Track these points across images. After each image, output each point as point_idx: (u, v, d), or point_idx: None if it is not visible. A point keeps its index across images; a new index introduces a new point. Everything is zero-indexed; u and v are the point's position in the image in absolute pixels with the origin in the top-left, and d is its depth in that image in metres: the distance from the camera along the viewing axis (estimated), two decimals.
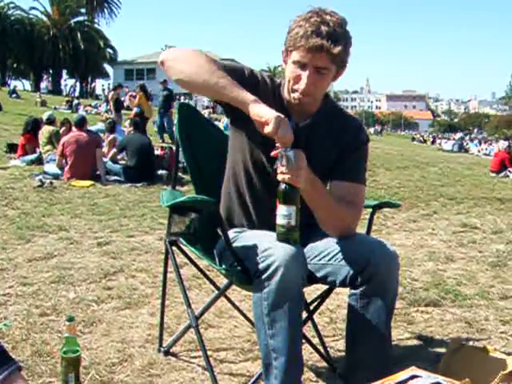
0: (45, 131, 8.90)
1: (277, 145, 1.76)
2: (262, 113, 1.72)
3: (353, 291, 1.96)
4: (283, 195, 1.78)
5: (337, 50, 1.84)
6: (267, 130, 1.70)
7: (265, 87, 2.04)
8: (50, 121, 9.28)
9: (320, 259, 2.01)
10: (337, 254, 1.97)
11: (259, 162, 2.04)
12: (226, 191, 2.20)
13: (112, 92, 15.98)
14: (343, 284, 2.00)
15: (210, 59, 1.90)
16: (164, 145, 10.39)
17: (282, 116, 1.72)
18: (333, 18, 1.87)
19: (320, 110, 2.07)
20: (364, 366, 1.96)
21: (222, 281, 2.72)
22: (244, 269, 1.91)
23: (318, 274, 2.02)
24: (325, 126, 2.06)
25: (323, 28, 1.84)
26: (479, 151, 33.31)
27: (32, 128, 9.26)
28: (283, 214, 1.78)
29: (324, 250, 2.01)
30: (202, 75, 1.84)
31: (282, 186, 1.77)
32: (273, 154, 1.79)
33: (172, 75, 1.92)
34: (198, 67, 1.85)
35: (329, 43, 1.83)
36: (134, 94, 13.94)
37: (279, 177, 1.77)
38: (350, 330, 2.03)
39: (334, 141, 2.05)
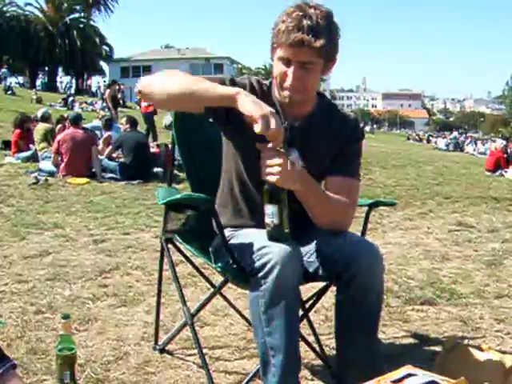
0: (40, 128, 8.87)
1: (269, 144, 1.74)
2: (250, 109, 1.69)
3: (338, 291, 1.96)
4: (267, 194, 1.79)
5: (319, 43, 1.81)
6: (257, 129, 1.67)
7: (252, 93, 1.97)
8: (45, 118, 9.25)
9: (310, 256, 2.01)
10: (323, 251, 1.97)
11: (252, 169, 1.99)
12: (221, 198, 2.18)
13: (108, 90, 15.93)
14: (329, 281, 2.00)
15: (185, 73, 1.88)
16: (159, 142, 10.35)
17: (269, 111, 1.69)
18: (316, 11, 1.84)
19: (315, 110, 2.05)
20: (352, 365, 1.97)
21: (218, 278, 2.71)
22: (240, 267, 1.90)
23: (309, 271, 2.02)
24: (321, 125, 2.04)
25: (305, 22, 1.81)
26: (475, 150, 33.39)
27: (19, 125, 9.23)
28: (267, 212, 1.79)
29: (313, 247, 2.01)
30: (181, 88, 1.81)
31: (267, 185, 1.78)
32: (262, 149, 1.77)
33: (154, 99, 1.93)
34: (175, 83, 1.83)
35: (309, 37, 1.80)
36: None
37: (263, 176, 1.77)
38: (337, 330, 2.04)
39: (333, 140, 2.04)
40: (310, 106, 2.04)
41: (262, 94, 2.01)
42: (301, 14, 1.83)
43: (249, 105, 1.70)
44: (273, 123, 1.67)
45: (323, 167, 2.03)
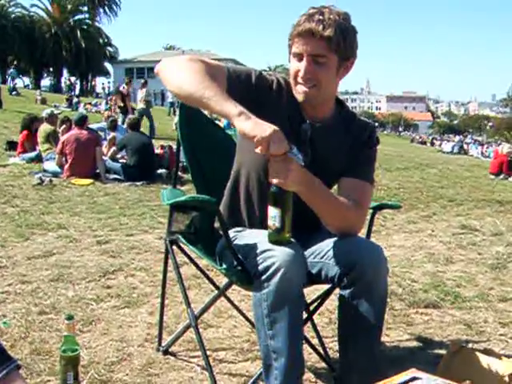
0: (42, 129, 8.84)
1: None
2: (251, 134, 1.64)
3: (341, 292, 1.95)
4: (271, 197, 1.79)
5: (327, 32, 1.83)
6: (258, 151, 1.65)
7: (279, 91, 1.99)
8: (47, 119, 9.12)
9: (314, 257, 2.01)
10: (327, 252, 1.96)
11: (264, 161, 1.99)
12: (232, 190, 2.16)
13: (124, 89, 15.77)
14: (332, 282, 1.99)
15: (203, 68, 1.81)
16: (164, 143, 10.36)
17: (269, 133, 1.63)
18: (330, 10, 1.88)
19: (334, 116, 2.05)
20: (355, 368, 1.96)
21: (222, 280, 2.71)
22: (244, 269, 1.90)
23: (312, 272, 2.01)
24: (339, 132, 2.04)
25: (317, 16, 1.85)
26: (478, 153, 33.34)
27: (28, 125, 9.23)
28: (271, 215, 1.79)
29: (317, 249, 2.01)
30: (188, 88, 1.76)
31: (273, 188, 1.78)
32: (266, 157, 1.76)
33: (166, 86, 1.88)
34: (186, 79, 1.78)
35: (318, 27, 1.83)
36: None
37: (270, 178, 1.76)
38: (340, 332, 2.03)
39: (349, 147, 2.04)
40: (328, 111, 2.04)
41: (287, 92, 2.00)
42: (315, 11, 1.87)
43: (248, 128, 1.65)
44: (272, 146, 1.64)
45: (336, 172, 2.02)
